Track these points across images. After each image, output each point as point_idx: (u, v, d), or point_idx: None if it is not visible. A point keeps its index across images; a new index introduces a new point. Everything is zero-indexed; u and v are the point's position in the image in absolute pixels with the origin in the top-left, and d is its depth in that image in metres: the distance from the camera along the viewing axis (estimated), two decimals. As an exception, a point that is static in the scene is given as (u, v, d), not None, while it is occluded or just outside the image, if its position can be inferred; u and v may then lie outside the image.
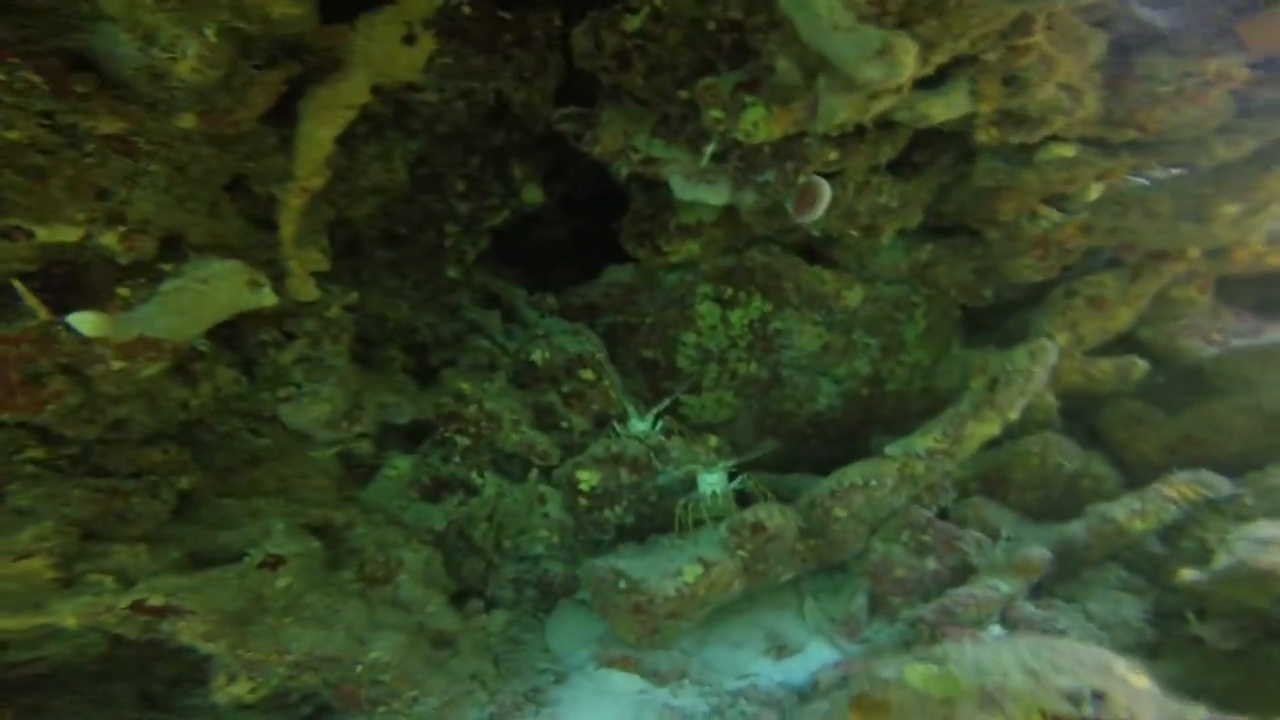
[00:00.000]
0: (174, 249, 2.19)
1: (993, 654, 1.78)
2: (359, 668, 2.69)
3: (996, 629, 3.15)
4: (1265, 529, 2.71)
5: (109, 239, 2.00)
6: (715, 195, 3.10)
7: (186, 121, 2.04)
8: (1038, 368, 3.32)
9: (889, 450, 3.56)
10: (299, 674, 2.53)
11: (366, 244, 3.46)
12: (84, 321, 1.95)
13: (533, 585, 3.89)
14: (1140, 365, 3.91)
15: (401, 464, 3.61)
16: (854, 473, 3.44)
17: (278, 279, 2.52)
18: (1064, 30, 2.68)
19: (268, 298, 2.35)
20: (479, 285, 4.16)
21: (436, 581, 3.42)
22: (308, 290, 2.53)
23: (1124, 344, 4.02)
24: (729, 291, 4.31)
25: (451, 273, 3.83)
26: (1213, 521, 3.29)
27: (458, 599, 3.64)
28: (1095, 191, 3.58)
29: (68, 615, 2.11)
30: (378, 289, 3.48)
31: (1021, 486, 3.86)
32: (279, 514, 2.83)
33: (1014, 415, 3.43)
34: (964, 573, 3.60)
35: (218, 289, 2.15)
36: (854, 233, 3.74)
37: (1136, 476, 3.75)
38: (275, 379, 2.62)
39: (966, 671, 1.73)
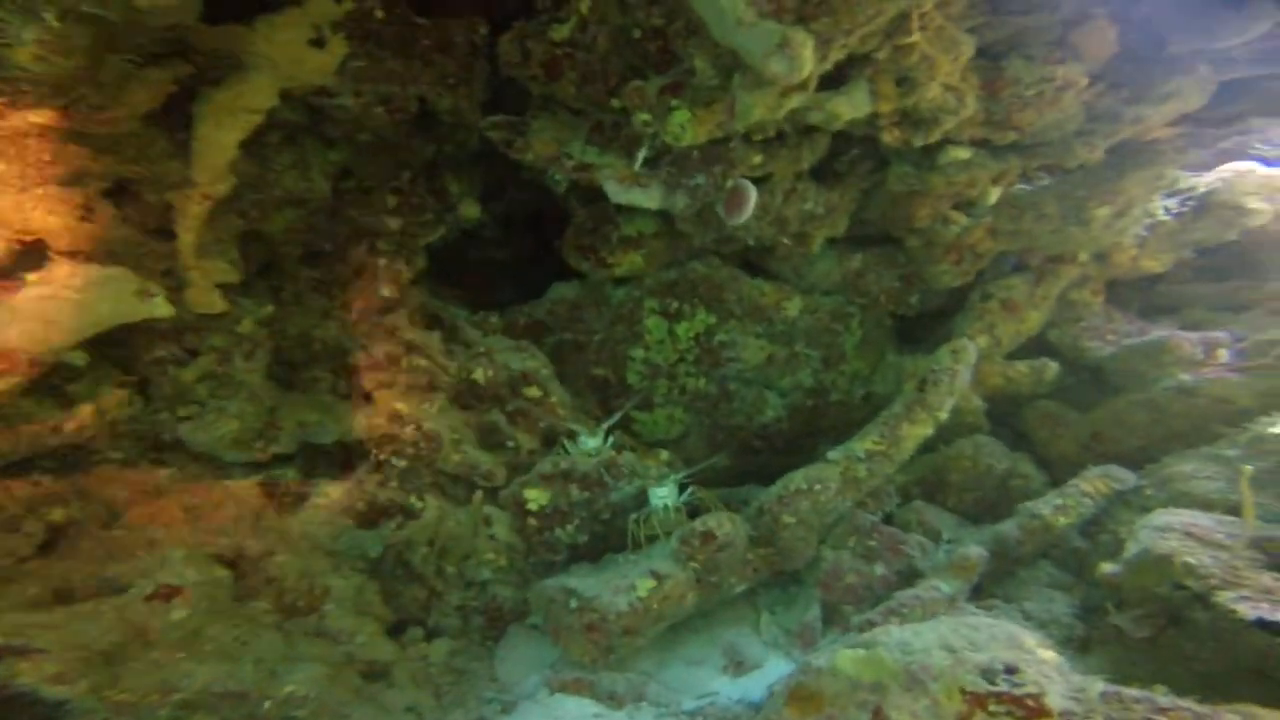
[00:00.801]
0: (36, 255, 1.87)
1: (916, 634, 1.80)
2: (268, 704, 2.31)
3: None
4: (1163, 517, 2.75)
5: None
6: (649, 199, 3.00)
7: (41, 116, 1.75)
8: (960, 366, 3.33)
9: (831, 455, 3.46)
10: (188, 715, 2.14)
11: (287, 262, 3.17)
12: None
13: (480, 613, 3.56)
14: (1052, 366, 4.00)
15: (332, 490, 3.25)
16: (798, 478, 3.32)
17: (176, 291, 2.21)
18: (938, 32, 2.80)
19: (160, 308, 2.06)
20: (417, 306, 3.87)
21: (369, 610, 3.07)
22: (211, 302, 2.24)
23: (1036, 347, 4.16)
24: (674, 305, 4.18)
25: (385, 291, 3.54)
26: (1123, 514, 3.37)
27: (396, 629, 3.29)
28: (994, 195, 3.74)
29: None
30: (301, 309, 3.17)
31: (959, 489, 3.82)
32: (179, 543, 2.45)
33: (944, 415, 3.40)
34: (910, 576, 3.49)
35: (94, 296, 1.84)
36: (786, 240, 3.70)
37: (1058, 474, 3.83)
38: (176, 398, 2.28)
39: (893, 653, 1.73)
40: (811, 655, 1.96)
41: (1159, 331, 3.95)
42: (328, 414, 2.94)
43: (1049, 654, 1.76)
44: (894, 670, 1.67)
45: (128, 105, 1.80)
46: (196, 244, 2.15)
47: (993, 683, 1.62)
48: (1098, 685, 1.73)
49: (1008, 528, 3.31)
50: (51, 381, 2.03)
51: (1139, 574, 2.67)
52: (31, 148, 1.77)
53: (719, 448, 4.55)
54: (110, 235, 1.98)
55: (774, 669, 3.57)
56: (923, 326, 4.56)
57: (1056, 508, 3.32)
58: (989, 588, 3.30)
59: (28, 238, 1.81)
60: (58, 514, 2.19)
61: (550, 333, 4.21)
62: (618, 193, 2.98)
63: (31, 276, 1.79)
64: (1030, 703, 1.60)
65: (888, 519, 3.77)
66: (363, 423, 3.10)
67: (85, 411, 2.09)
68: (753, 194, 3.00)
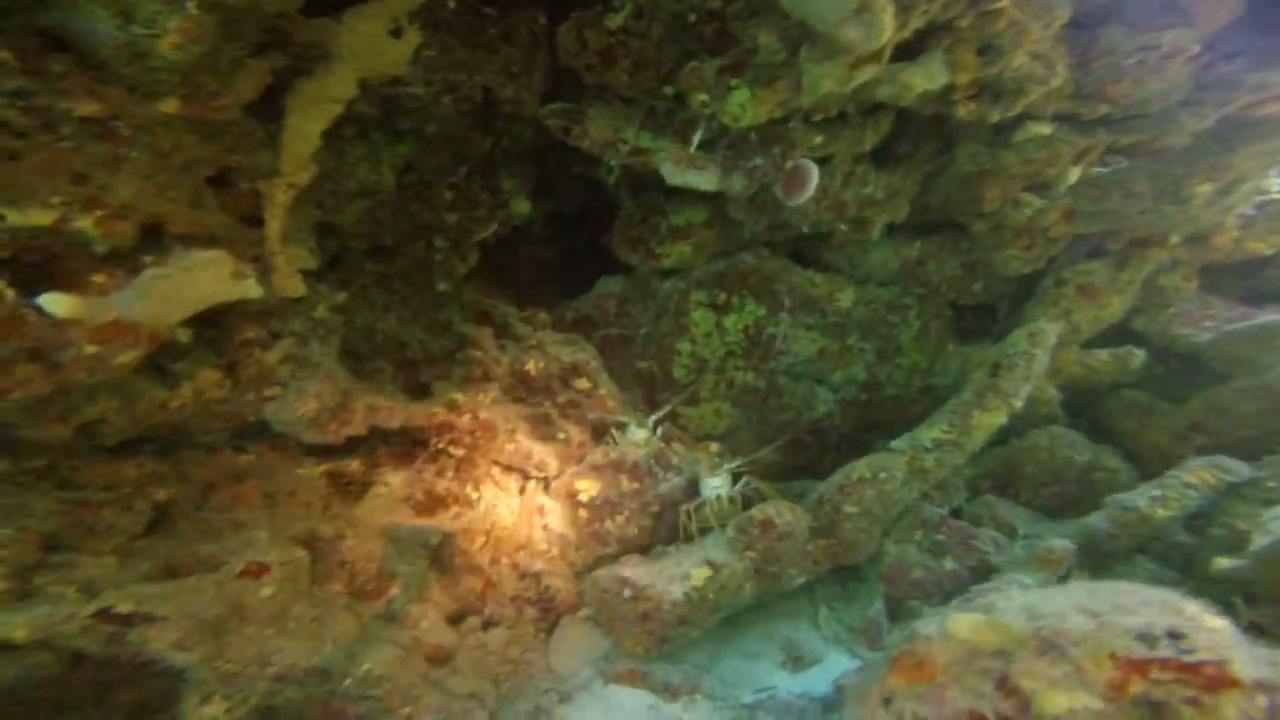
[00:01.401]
0: (155, 239, 2.09)
1: (1044, 599, 1.61)
2: (348, 681, 2.46)
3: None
4: (1296, 506, 2.59)
5: (85, 223, 1.90)
6: (705, 180, 3.06)
7: (169, 106, 1.97)
8: (1038, 350, 3.24)
9: (895, 445, 3.43)
10: (282, 689, 2.30)
11: (354, 255, 3.37)
12: (55, 302, 1.83)
13: (533, 604, 3.65)
14: (1138, 354, 3.85)
15: (393, 480, 3.42)
16: (862, 466, 3.30)
17: (263, 275, 2.41)
18: (1030, -4, 2.74)
19: (253, 289, 2.24)
20: (469, 303, 4.05)
21: (431, 597, 3.19)
22: (295, 286, 2.43)
23: (1119, 335, 3.99)
24: (722, 297, 4.23)
25: (441, 286, 3.73)
26: (1238, 507, 3.19)
27: (454, 617, 3.41)
28: (1075, 174, 3.60)
29: (18, 628, 1.90)
30: (366, 302, 3.37)
31: (1033, 482, 3.73)
32: (263, 526, 2.65)
33: (1019, 402, 3.32)
34: (983, 572, 3.43)
35: (200, 277, 2.04)
36: (843, 226, 3.70)
37: (1148, 467, 3.65)
38: (260, 379, 2.47)
39: (1018, 618, 1.54)
40: (918, 624, 1.83)
41: (1269, 315, 3.74)
42: (394, 400, 3.11)
43: (1217, 621, 1.54)
44: (1021, 636, 1.52)
45: (235, 94, 1.99)
46: (281, 231, 2.34)
47: (1153, 647, 1.43)
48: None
49: (1097, 520, 3.20)
50: (158, 361, 2.24)
51: (1271, 566, 2.56)
52: (159, 136, 1.98)
53: (768, 443, 4.57)
54: (213, 221, 2.18)
55: (835, 665, 3.54)
56: (984, 318, 4.48)
57: (1154, 499, 3.18)
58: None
59: (150, 222, 2.02)
60: (162, 494, 2.40)
61: (597, 328, 4.33)
62: (673, 175, 3.06)
63: (148, 258, 1.99)
64: (1209, 670, 1.40)
65: (955, 514, 3.72)
66: (421, 412, 3.27)
67: (186, 391, 2.30)
68: (814, 174, 3.03)
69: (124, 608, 2.06)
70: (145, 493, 2.46)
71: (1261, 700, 1.38)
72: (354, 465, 3.36)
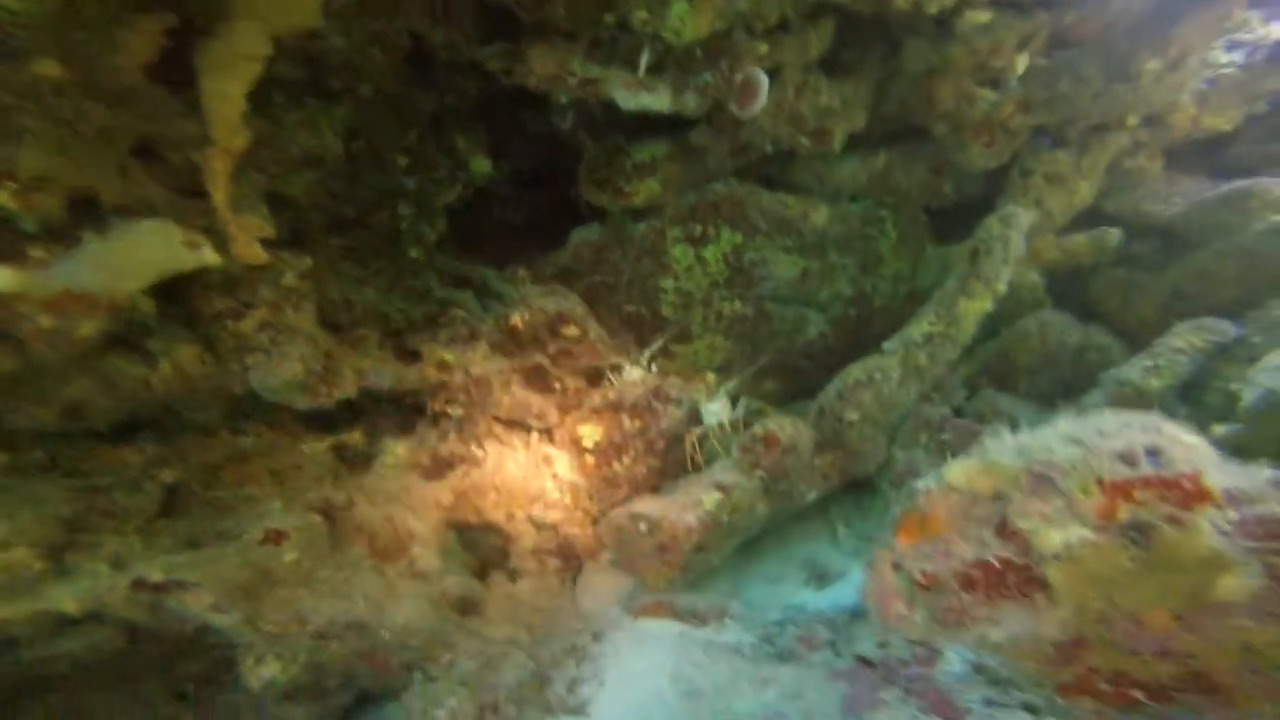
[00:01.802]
0: (90, 213, 2.10)
1: (1034, 436, 1.67)
2: (385, 633, 2.57)
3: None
4: (1280, 356, 2.59)
5: (1, 197, 1.89)
6: (658, 100, 3.12)
7: (47, 68, 1.91)
8: (1012, 231, 3.33)
9: (887, 346, 3.54)
10: (325, 645, 2.41)
11: (315, 231, 3.39)
12: (-9, 275, 1.85)
13: (553, 554, 3.78)
14: (1114, 233, 3.96)
15: (397, 448, 3.51)
16: (856, 371, 3.41)
17: (220, 248, 2.45)
18: None
19: (210, 257, 2.27)
20: (446, 269, 4.10)
21: (454, 554, 3.31)
22: (255, 254, 2.46)
23: (1092, 218, 4.08)
24: (698, 229, 4.30)
25: (413, 253, 3.77)
26: (1228, 369, 3.21)
27: (479, 573, 3.53)
28: (1022, 63, 3.62)
29: (67, 600, 1.99)
30: (337, 276, 3.41)
31: (1029, 371, 3.85)
32: (275, 499, 2.73)
33: (1002, 286, 3.43)
34: (985, 460, 3.56)
35: (148, 246, 2.07)
36: (805, 140, 3.76)
37: (1138, 341, 3.75)
38: (239, 349, 2.53)
39: (1010, 457, 1.62)
40: (918, 482, 1.87)
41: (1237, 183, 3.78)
42: (381, 363, 3.19)
43: (1193, 438, 1.57)
44: (1014, 474, 1.57)
45: (125, 53, 1.97)
46: (228, 200, 2.36)
47: (1134, 466, 1.47)
48: (1264, 470, 1.55)
49: (1094, 400, 3.27)
50: (129, 339, 2.29)
51: (1266, 423, 2.55)
52: (52, 105, 1.95)
53: (763, 372, 4.68)
54: (149, 193, 2.19)
55: (859, 577, 3.69)
56: (960, 220, 4.59)
57: (1147, 370, 3.21)
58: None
59: (79, 195, 2.03)
60: (168, 475, 2.47)
61: (578, 278, 4.39)
62: (627, 99, 3.10)
63: (87, 232, 2.01)
64: (1186, 484, 1.45)
65: (957, 414, 3.85)
66: (413, 374, 3.34)
67: (167, 368, 2.35)
68: (764, 82, 3.08)
69: (156, 577, 2.15)
70: (151, 475, 2.53)
71: (1232, 513, 1.45)
72: (356, 437, 3.44)
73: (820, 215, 4.32)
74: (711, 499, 3.29)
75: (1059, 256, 3.94)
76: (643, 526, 3.33)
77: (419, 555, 3.09)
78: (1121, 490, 1.47)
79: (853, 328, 4.64)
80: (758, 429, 3.30)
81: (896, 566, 1.83)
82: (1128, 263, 3.98)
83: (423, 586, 2.99)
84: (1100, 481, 1.51)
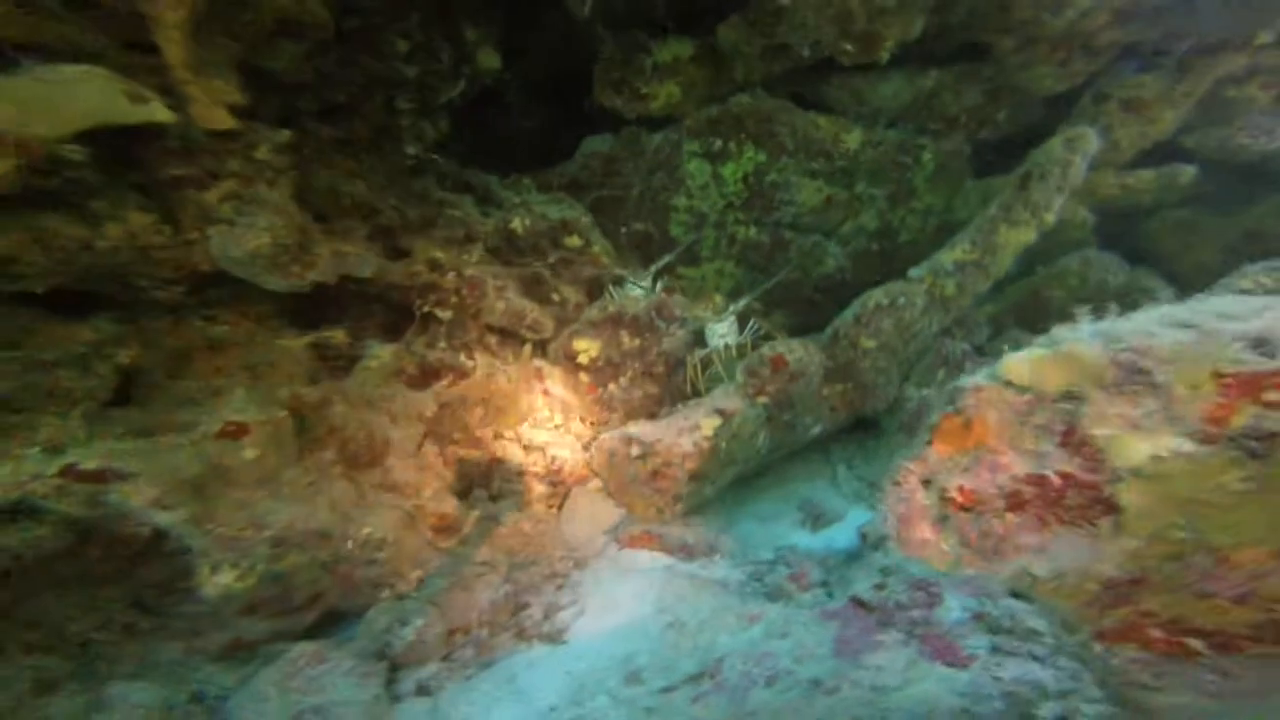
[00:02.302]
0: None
1: (1125, 321, 1.27)
2: (349, 544, 2.33)
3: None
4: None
5: None
6: None
7: None
8: (1076, 156, 2.87)
9: (913, 273, 3.15)
10: (284, 552, 2.17)
11: (304, 118, 3.02)
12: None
13: (541, 478, 3.52)
14: (1187, 171, 3.44)
15: (382, 353, 3.21)
16: (878, 294, 3.04)
17: (177, 108, 2.10)
18: None
19: (160, 113, 1.94)
20: (445, 173, 3.72)
21: (432, 468, 3.05)
22: (219, 118, 2.12)
23: (1162, 153, 3.55)
24: (718, 144, 3.88)
25: (411, 150, 3.40)
26: None
27: (460, 492, 3.29)
28: None
29: (-17, 486, 1.74)
30: (326, 166, 3.05)
31: (1062, 311, 3.43)
32: (241, 387, 2.46)
33: (1051, 217, 3.01)
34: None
35: (77, 91, 1.74)
36: (849, 46, 3.29)
37: (1191, 286, 3.33)
38: (201, 219, 2.21)
39: (1091, 346, 1.23)
40: (965, 378, 1.50)
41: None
42: (365, 252, 2.86)
43: None
44: (1096, 366, 1.19)
45: None
46: (186, 59, 2.01)
47: (1272, 356, 1.07)
48: None
49: None
50: (69, 196, 1.99)
51: None
52: None
53: (774, 304, 4.32)
54: (75, 38, 1.86)
55: (857, 521, 3.43)
56: (1006, 153, 4.11)
57: None
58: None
59: None
60: (124, 356, 2.20)
61: (586, 190, 4.00)
62: None
63: None
64: None
65: (978, 352, 3.50)
66: (399, 270, 3.02)
67: (114, 231, 2.05)
68: None
69: (90, 464, 1.90)
70: (105, 356, 2.25)
71: None
72: (339, 336, 3.15)
73: (853, 138, 3.87)
74: (710, 424, 2.99)
75: (1117, 193, 3.46)
76: (635, 450, 3.05)
77: (395, 466, 2.83)
78: (1247, 386, 1.08)
79: (874, 263, 4.25)
80: (765, 350, 2.96)
81: (927, 482, 1.51)
82: (1194, 202, 3.50)
83: (396, 499, 2.74)
84: (1218, 375, 1.11)
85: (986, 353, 3.49)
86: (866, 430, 3.70)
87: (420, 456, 3.05)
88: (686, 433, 2.98)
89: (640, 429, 3.10)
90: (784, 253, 4.17)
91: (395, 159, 3.39)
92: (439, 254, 3.10)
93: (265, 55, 2.60)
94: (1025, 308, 3.56)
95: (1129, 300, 3.38)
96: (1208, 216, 3.39)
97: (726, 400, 3.03)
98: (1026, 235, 3.00)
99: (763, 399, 3.01)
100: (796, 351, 2.93)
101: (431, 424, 3.26)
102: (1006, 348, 3.41)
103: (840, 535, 3.33)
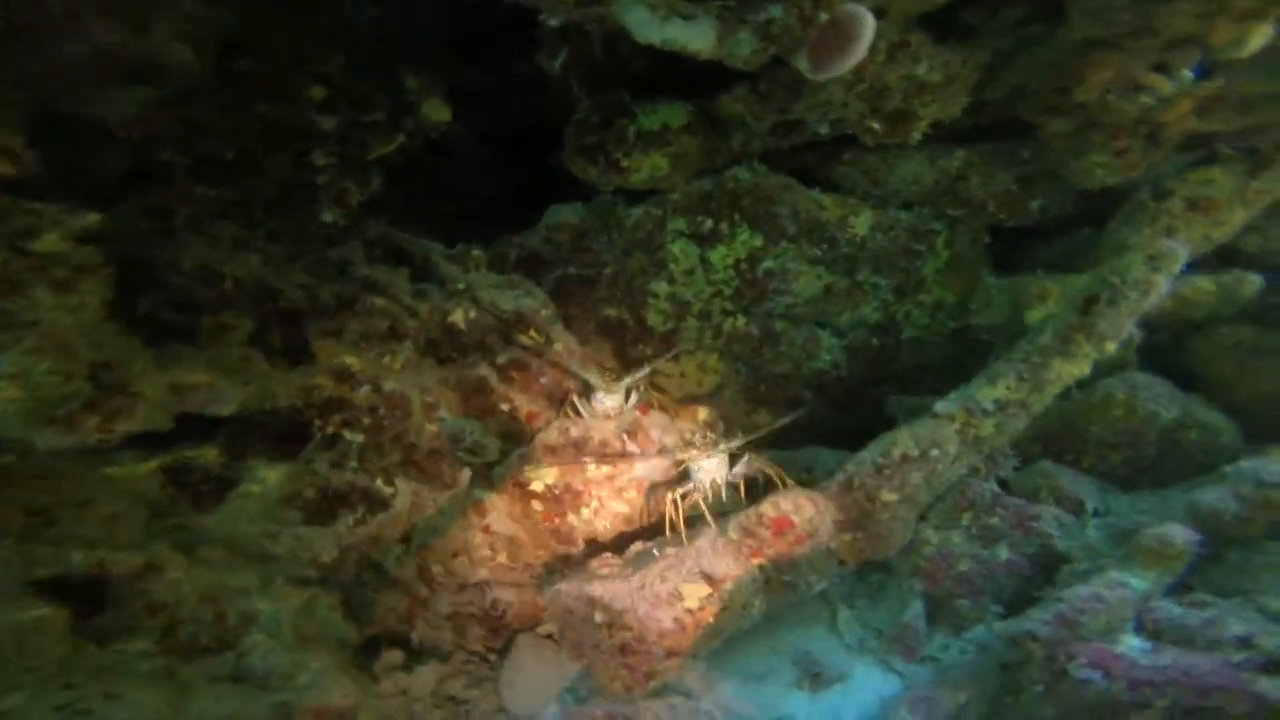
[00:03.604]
0: None
1: None
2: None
3: (1134, 641, 2.04)
4: None
5: None
6: (695, 37, 1.89)
7: None
8: (1159, 278, 2.20)
9: (941, 407, 2.43)
10: None
11: (173, 175, 2.16)
12: None
13: (478, 620, 2.66)
14: (1253, 281, 2.79)
15: (268, 475, 2.32)
16: (905, 441, 2.30)
17: None
18: None
19: None
20: (376, 239, 2.87)
21: (318, 636, 2.16)
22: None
23: (1218, 258, 2.90)
24: (708, 224, 3.13)
25: (328, 216, 2.55)
26: None
27: (367, 649, 2.40)
28: (1259, 38, 2.17)
29: None
30: (203, 238, 2.19)
31: (1100, 444, 2.79)
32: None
33: (1113, 347, 2.32)
34: (1048, 562, 2.52)
35: None
36: (876, 125, 2.59)
37: (1251, 421, 2.70)
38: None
39: None
40: None
41: None
42: (231, 374, 2.00)
43: None
44: None
45: None
46: None
47: None
48: None
49: (1217, 498, 2.23)
50: None
51: None
52: None
53: (759, 402, 3.57)
54: None
55: (864, 682, 2.66)
56: (1027, 249, 3.46)
57: None
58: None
59: None
60: None
61: (549, 268, 3.19)
62: (648, 27, 1.83)
63: None
64: None
65: (1002, 486, 2.81)
66: (292, 386, 2.16)
67: None
68: (868, 27, 1.84)
69: None
70: None
71: None
72: (209, 455, 2.24)
73: (862, 222, 3.18)
74: (695, 593, 2.19)
75: (1169, 304, 2.78)
76: (600, 617, 2.23)
77: (257, 647, 1.93)
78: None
79: (872, 360, 3.54)
80: (768, 508, 2.20)
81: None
82: (1256, 318, 2.87)
83: (249, 701, 1.84)
84: None
85: (1011, 488, 2.78)
86: (871, 564, 2.94)
87: (302, 623, 2.16)
88: (664, 604, 2.18)
89: (606, 589, 2.27)
90: (774, 345, 3.42)
91: (307, 224, 2.53)
92: (350, 360, 2.25)
93: (90, 103, 1.73)
94: (1056, 437, 2.88)
95: (1181, 437, 2.78)
96: (1272, 335, 2.76)
97: (715, 560, 2.23)
98: (1081, 368, 2.32)
99: (760, 561, 2.22)
100: (805, 510, 2.17)
101: (333, 570, 2.37)
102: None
103: (844, 701, 2.56)
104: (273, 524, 2.30)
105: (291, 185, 2.53)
